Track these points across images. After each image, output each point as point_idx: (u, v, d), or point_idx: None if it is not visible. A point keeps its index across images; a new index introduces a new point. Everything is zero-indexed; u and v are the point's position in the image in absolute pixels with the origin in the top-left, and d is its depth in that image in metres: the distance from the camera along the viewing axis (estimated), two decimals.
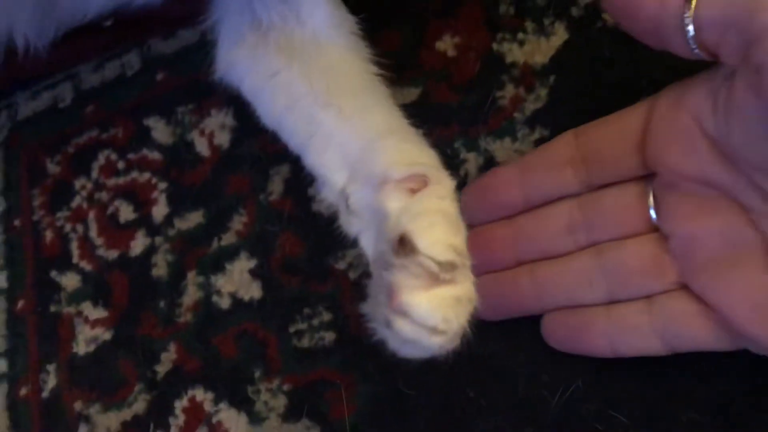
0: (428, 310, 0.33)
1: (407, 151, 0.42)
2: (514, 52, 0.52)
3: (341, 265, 0.52)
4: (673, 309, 0.41)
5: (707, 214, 0.39)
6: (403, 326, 0.34)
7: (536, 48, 0.52)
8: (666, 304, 0.41)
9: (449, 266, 0.34)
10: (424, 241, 0.34)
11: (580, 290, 0.44)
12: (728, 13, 0.34)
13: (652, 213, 0.42)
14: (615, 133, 0.44)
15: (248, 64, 0.51)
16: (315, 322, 0.51)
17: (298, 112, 0.47)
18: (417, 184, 0.38)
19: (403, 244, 0.34)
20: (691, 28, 0.36)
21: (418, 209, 0.36)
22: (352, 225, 0.42)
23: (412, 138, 0.44)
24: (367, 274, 0.51)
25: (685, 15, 0.35)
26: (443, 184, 0.39)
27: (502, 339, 0.46)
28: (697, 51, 0.36)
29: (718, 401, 0.42)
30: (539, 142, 0.50)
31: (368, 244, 0.41)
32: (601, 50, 0.50)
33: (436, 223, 0.36)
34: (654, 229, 0.42)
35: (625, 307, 0.42)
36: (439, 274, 0.34)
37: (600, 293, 0.43)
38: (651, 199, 0.42)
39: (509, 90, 0.51)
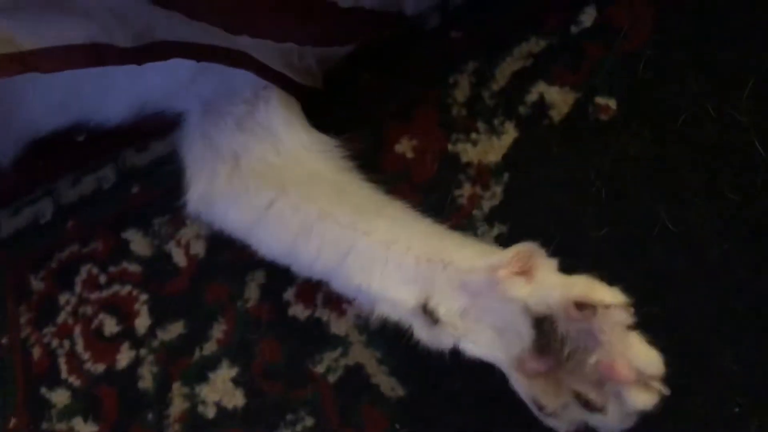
0: (657, 357, 0.33)
1: (476, 247, 0.42)
2: (469, 152, 0.55)
3: (320, 369, 0.54)
4: None
5: None
6: (635, 396, 0.33)
7: (489, 147, 0.54)
8: None
9: (630, 308, 0.34)
10: (602, 294, 0.34)
11: None
12: None
13: None
14: None
15: (229, 200, 0.52)
16: (298, 427, 0.53)
17: (318, 237, 0.47)
18: (525, 263, 0.38)
19: (583, 307, 0.34)
20: None
21: (558, 282, 0.36)
22: (443, 337, 0.41)
23: (459, 237, 0.44)
24: (345, 378, 0.53)
25: None
26: (546, 257, 0.39)
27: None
28: None
29: None
30: (499, 239, 0.52)
31: (481, 345, 0.40)
32: (549, 146, 0.53)
33: (587, 281, 0.35)
34: None
35: None
36: (631, 318, 0.33)
37: None
38: None
39: (467, 188, 0.54)
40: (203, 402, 0.56)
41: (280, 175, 0.52)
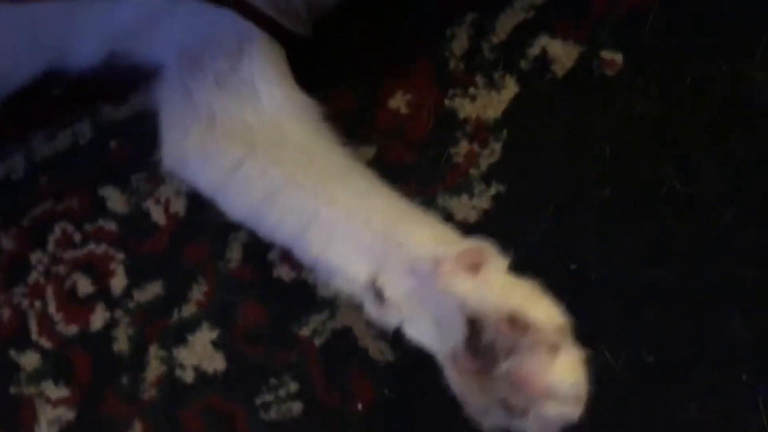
0: (574, 381, 0.33)
1: (434, 230, 0.41)
2: (466, 108, 0.52)
3: (305, 332, 0.52)
4: None
5: None
6: (548, 409, 0.33)
7: (488, 102, 0.52)
8: None
9: (564, 330, 0.34)
10: (538, 314, 0.34)
11: None
12: None
13: None
14: None
15: (201, 158, 0.50)
16: (281, 392, 0.51)
17: (281, 204, 0.45)
18: (474, 260, 0.37)
19: (515, 323, 0.33)
20: None
21: (501, 287, 0.36)
22: (389, 316, 0.40)
23: (421, 216, 0.43)
24: (332, 342, 0.51)
25: None
26: (498, 256, 0.38)
27: None
28: None
29: None
30: (496, 198, 0.50)
31: (421, 331, 0.40)
32: (552, 102, 0.51)
33: (530, 294, 0.35)
34: None
35: None
36: (560, 341, 0.33)
37: None
38: None
39: (463, 146, 0.52)
40: (181, 366, 0.54)
41: (252, 135, 0.49)
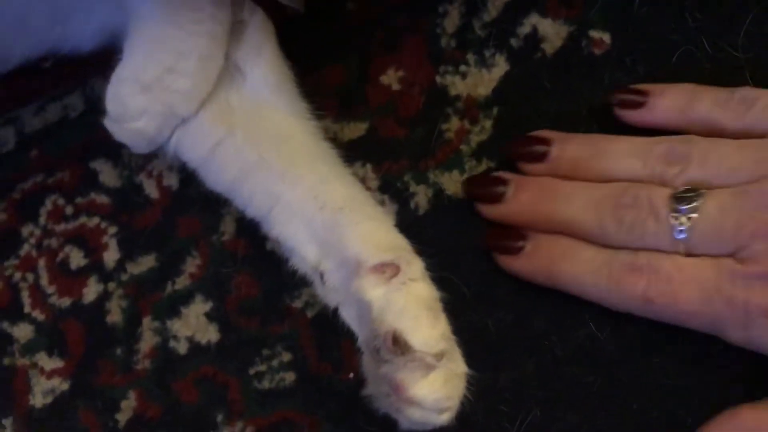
0: (437, 398, 0.38)
1: (374, 232, 0.44)
2: (457, 85, 0.53)
3: (298, 304, 0.52)
4: None
5: None
6: (414, 413, 0.38)
7: (478, 80, 0.53)
8: None
9: (441, 354, 0.38)
10: (416, 340, 0.38)
11: None
12: None
13: None
14: None
15: (181, 134, 0.50)
16: (274, 362, 0.52)
17: (252, 183, 0.48)
18: (390, 269, 0.41)
19: (397, 342, 0.38)
20: None
21: (400, 303, 0.39)
22: (329, 298, 0.45)
23: (373, 212, 0.46)
24: (324, 314, 0.51)
25: None
26: (414, 265, 0.42)
27: None
28: None
29: None
30: None
31: (350, 317, 0.44)
32: (541, 81, 0.51)
33: (420, 316, 0.39)
34: None
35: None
36: (435, 363, 0.38)
37: None
38: None
39: (454, 122, 0.52)
40: (175, 337, 0.55)
41: (233, 114, 0.51)
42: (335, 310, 0.45)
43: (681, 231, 0.42)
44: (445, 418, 0.39)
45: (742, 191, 0.41)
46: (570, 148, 0.47)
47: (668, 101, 0.46)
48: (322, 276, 0.45)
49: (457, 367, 0.40)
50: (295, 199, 0.47)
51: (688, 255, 0.42)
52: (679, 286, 0.42)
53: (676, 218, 0.42)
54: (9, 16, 0.54)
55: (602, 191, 0.45)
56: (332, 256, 0.44)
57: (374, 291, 0.40)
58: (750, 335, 0.41)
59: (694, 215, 0.42)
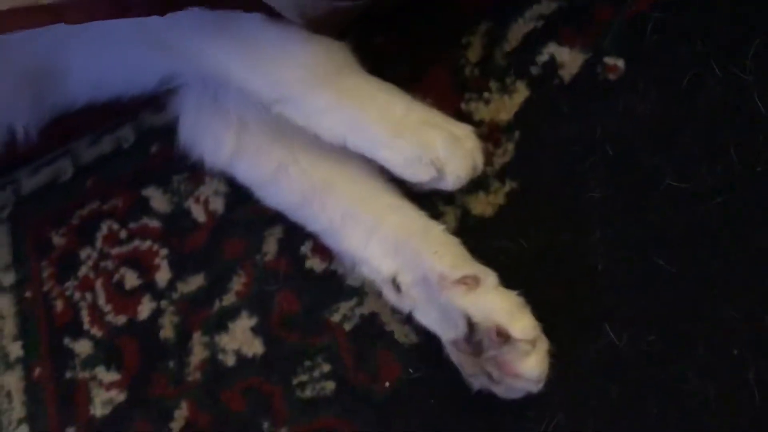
0: (539, 372, 0.47)
1: (448, 249, 0.51)
2: (481, 110, 0.56)
3: (336, 318, 0.56)
4: None
5: None
6: (517, 383, 0.47)
7: (501, 106, 0.56)
8: None
9: (535, 340, 0.47)
10: (516, 332, 0.46)
11: None
12: None
13: None
14: None
15: (240, 158, 0.54)
16: (316, 373, 0.55)
17: (319, 203, 0.54)
18: (471, 280, 0.48)
19: (500, 334, 0.46)
20: None
21: (495, 305, 0.47)
22: (404, 304, 0.52)
23: (440, 234, 0.52)
24: (361, 326, 0.55)
25: None
26: (491, 276, 0.49)
27: None
28: None
29: None
30: (511, 195, 0.54)
31: (427, 319, 0.51)
32: (559, 105, 0.54)
33: (514, 312, 0.47)
34: None
35: None
36: (531, 347, 0.47)
37: None
38: None
39: None
40: (223, 350, 0.58)
41: (287, 137, 0.55)
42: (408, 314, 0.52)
43: None
44: (537, 388, 0.47)
45: None
46: None
47: None
48: (398, 286, 0.51)
49: (545, 344, 0.47)
50: (366, 219, 0.53)
51: None
52: None
53: None
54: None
55: None
56: (410, 271, 0.51)
57: (464, 299, 0.48)
58: None
59: None
